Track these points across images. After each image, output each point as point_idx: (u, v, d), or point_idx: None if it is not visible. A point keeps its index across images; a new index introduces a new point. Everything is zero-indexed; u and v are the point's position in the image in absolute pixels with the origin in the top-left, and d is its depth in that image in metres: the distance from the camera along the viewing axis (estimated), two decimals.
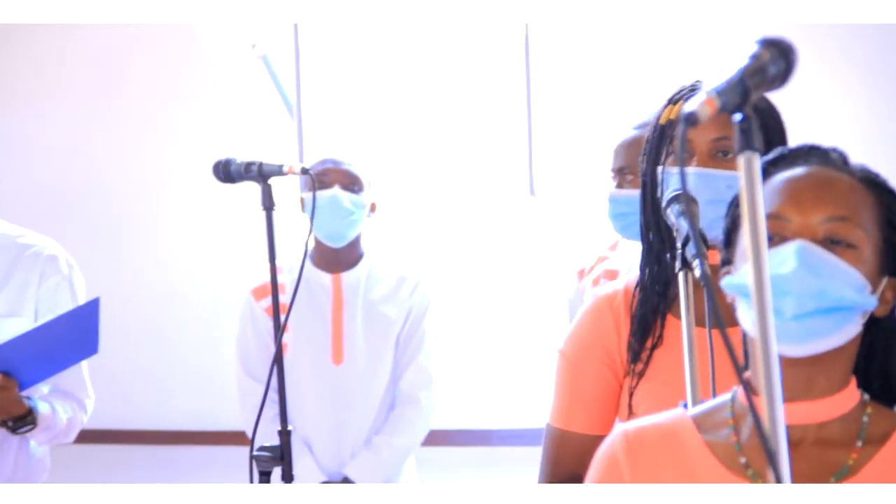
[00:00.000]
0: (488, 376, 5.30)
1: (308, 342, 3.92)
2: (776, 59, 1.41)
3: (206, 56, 5.53)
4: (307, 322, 3.92)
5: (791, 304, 1.52)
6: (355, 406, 3.93)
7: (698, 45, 5.04)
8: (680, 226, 2.07)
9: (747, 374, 1.64)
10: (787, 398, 1.51)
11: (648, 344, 2.27)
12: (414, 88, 5.46)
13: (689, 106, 1.36)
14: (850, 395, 1.63)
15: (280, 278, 3.39)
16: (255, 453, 2.82)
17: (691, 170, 2.22)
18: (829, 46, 4.98)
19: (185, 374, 5.49)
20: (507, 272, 5.33)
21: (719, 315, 1.41)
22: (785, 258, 1.55)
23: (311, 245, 3.96)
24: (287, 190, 3.90)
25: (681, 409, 1.72)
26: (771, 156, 1.67)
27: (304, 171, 3.10)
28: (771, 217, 1.58)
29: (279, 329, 2.84)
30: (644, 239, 2.33)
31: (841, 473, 1.60)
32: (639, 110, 3.09)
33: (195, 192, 5.45)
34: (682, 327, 2.06)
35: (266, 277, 2.99)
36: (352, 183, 3.91)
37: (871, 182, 1.65)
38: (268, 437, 2.90)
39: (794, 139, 1.95)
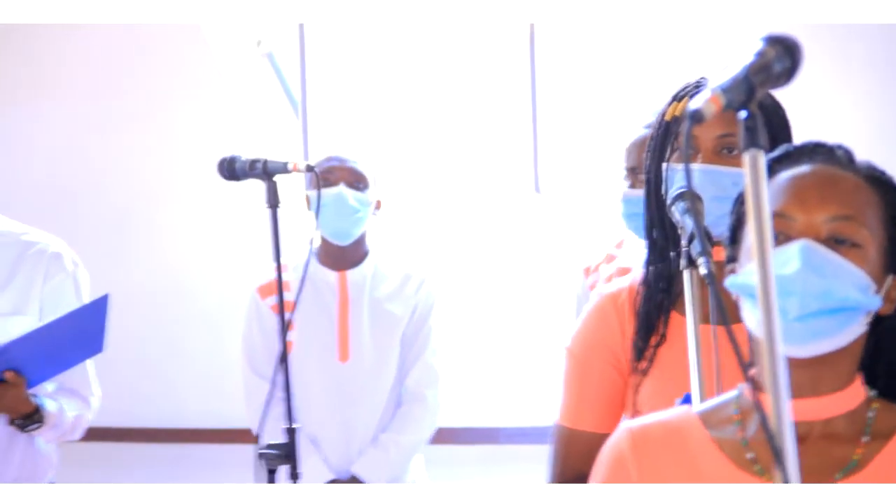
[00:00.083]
0: (495, 374, 5.29)
1: (314, 340, 3.92)
2: (781, 57, 1.40)
3: (212, 53, 5.53)
4: (313, 320, 3.92)
5: (795, 305, 1.52)
6: (361, 403, 3.93)
7: (703, 43, 5.03)
8: (685, 223, 2.06)
9: (752, 371, 1.64)
10: (793, 395, 1.51)
11: (653, 341, 2.27)
12: (419, 86, 5.45)
13: (695, 103, 1.35)
14: (856, 392, 1.63)
15: (285, 276, 3.40)
16: (261, 451, 2.82)
17: (696, 166, 2.21)
18: (834, 44, 4.97)
19: (191, 372, 5.49)
20: (513, 269, 5.32)
21: (724, 312, 1.41)
22: (789, 258, 1.55)
23: (317, 243, 3.96)
24: (292, 187, 3.89)
25: (686, 406, 1.72)
26: (776, 153, 1.67)
27: (310, 169, 3.11)
28: (775, 216, 1.57)
29: (285, 327, 2.84)
30: (648, 236, 2.33)
31: (848, 468, 1.60)
32: (646, 108, 3.09)
33: (200, 189, 5.45)
34: (685, 324, 2.06)
35: (272, 275, 2.99)
36: (357, 181, 3.90)
37: (877, 180, 1.64)
38: (274, 434, 2.90)
39: (800, 136, 1.95)
